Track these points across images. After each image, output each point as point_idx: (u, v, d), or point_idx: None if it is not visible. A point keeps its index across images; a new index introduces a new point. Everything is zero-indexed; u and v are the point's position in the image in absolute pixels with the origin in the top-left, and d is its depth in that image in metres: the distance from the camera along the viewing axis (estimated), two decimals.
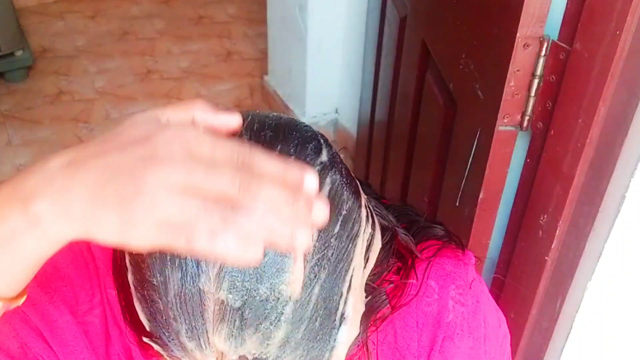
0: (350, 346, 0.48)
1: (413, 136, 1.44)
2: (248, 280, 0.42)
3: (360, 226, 0.48)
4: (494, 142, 0.96)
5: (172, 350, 0.45)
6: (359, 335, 0.49)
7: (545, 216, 0.94)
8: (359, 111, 2.13)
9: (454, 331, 0.61)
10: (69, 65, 2.84)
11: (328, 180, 0.46)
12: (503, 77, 0.90)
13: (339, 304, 0.46)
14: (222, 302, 0.42)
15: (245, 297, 0.42)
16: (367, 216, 0.50)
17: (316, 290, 0.44)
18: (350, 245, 0.46)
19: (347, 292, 0.47)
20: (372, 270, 0.52)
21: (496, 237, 1.10)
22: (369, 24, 1.91)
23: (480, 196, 1.02)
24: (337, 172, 0.47)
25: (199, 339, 0.43)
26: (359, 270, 0.48)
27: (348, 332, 0.47)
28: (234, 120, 0.43)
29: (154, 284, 0.44)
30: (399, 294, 0.60)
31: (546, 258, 0.96)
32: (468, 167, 1.05)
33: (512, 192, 1.04)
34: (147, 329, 0.46)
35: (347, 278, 0.46)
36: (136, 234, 0.38)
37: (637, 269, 0.96)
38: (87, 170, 0.39)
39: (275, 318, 0.43)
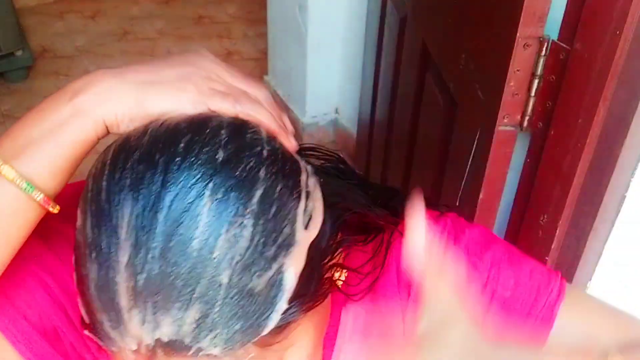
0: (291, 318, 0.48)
1: (413, 136, 1.44)
2: (157, 267, 0.43)
3: (281, 205, 0.47)
4: (494, 142, 0.96)
5: (103, 341, 0.47)
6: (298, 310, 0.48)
7: (545, 216, 0.94)
8: (359, 111, 2.13)
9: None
10: (69, 65, 2.84)
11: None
12: (503, 77, 0.90)
13: (258, 283, 0.45)
14: (132, 288, 0.44)
15: (154, 282, 0.43)
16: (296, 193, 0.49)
17: (227, 271, 0.44)
18: (269, 225, 0.45)
19: (273, 271, 0.45)
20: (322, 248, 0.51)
21: None
22: (369, 24, 1.91)
23: (480, 196, 1.02)
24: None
25: (119, 327, 0.45)
26: (289, 249, 0.47)
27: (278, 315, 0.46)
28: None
29: (81, 277, 0.47)
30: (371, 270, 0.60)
31: (546, 258, 0.96)
32: (468, 167, 1.05)
33: (512, 192, 1.04)
34: (86, 321, 0.48)
35: (268, 256, 0.45)
36: (189, 97, 0.49)
37: (637, 269, 0.96)
38: (135, 69, 0.51)
39: (185, 300, 0.43)
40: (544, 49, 0.86)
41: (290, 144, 0.52)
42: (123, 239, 0.44)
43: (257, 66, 2.85)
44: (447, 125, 1.19)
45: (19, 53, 2.62)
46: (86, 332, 0.48)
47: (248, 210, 0.44)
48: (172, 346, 0.45)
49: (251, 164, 0.46)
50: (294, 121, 2.41)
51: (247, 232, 0.44)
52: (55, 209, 0.50)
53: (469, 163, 1.04)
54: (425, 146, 1.38)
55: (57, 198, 0.50)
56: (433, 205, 0.68)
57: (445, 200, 1.21)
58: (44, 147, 0.49)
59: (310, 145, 0.59)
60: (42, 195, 0.48)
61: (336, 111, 2.41)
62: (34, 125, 0.49)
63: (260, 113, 0.51)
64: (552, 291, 0.62)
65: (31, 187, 0.48)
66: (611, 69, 0.77)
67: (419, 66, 1.36)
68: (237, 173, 0.45)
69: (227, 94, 0.51)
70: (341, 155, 0.63)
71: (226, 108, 0.50)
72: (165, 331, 0.44)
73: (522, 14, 0.84)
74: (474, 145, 1.02)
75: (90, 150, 0.51)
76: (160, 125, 0.48)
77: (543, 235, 0.96)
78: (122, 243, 0.44)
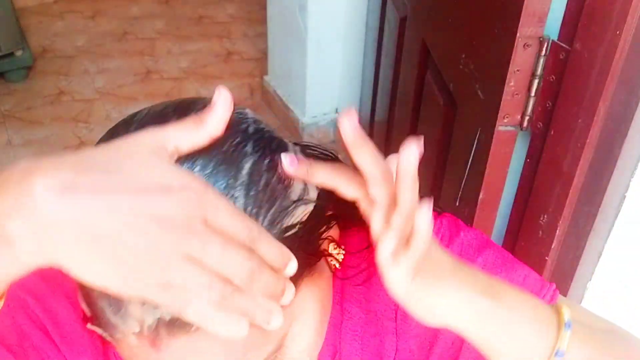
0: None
1: (413, 136, 1.44)
2: None
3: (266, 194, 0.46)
4: (494, 142, 0.96)
5: (106, 330, 0.46)
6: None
7: (545, 216, 0.94)
8: (359, 111, 2.14)
9: None
10: (69, 65, 2.84)
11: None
12: (503, 77, 0.90)
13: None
14: None
15: None
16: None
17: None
18: (259, 195, 0.46)
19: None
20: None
21: (496, 237, 1.10)
22: (369, 24, 1.91)
23: (480, 196, 1.02)
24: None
25: (119, 311, 0.44)
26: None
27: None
28: (222, 116, 0.44)
29: None
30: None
31: (546, 258, 0.96)
32: (468, 167, 1.05)
33: (512, 192, 1.04)
34: (88, 314, 0.47)
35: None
36: (136, 287, 0.38)
37: (637, 269, 0.96)
38: (85, 208, 0.37)
39: None
40: (544, 49, 0.86)
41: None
42: None
43: (257, 66, 2.85)
44: (447, 125, 1.19)
45: (19, 53, 2.62)
46: (89, 325, 0.47)
47: (238, 183, 0.44)
48: (174, 324, 0.44)
49: (238, 139, 0.46)
50: (294, 121, 2.41)
51: (239, 204, 0.44)
52: None
53: (469, 163, 1.04)
54: (425, 146, 1.38)
55: None
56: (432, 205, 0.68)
57: (445, 200, 1.21)
58: None
59: (304, 143, 0.59)
60: None
61: (336, 111, 2.41)
62: None
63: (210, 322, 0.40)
64: (545, 299, 0.62)
65: None
66: (611, 69, 0.77)
67: (419, 66, 1.36)
68: (225, 148, 0.45)
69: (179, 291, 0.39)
70: (335, 153, 0.63)
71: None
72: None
73: (522, 14, 0.84)
74: (474, 145, 1.02)
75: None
76: (145, 114, 0.47)
77: (543, 235, 0.96)
78: None
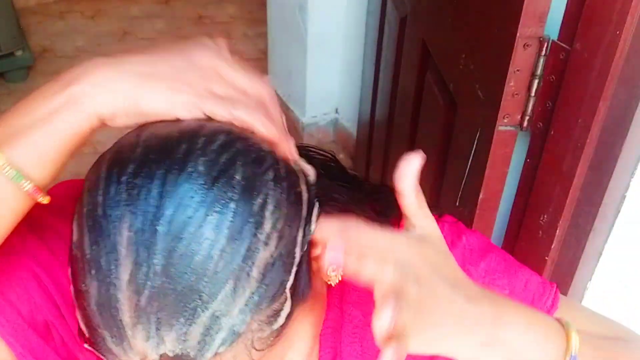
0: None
1: (413, 136, 1.44)
2: (159, 283, 0.42)
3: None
4: (494, 142, 0.96)
5: (105, 356, 0.46)
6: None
7: (545, 216, 0.94)
8: (359, 111, 2.13)
9: None
10: (69, 65, 2.79)
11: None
12: (503, 77, 0.90)
13: (263, 293, 0.45)
14: (135, 305, 0.43)
15: (157, 299, 0.42)
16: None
17: (230, 284, 0.43)
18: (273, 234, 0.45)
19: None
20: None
21: (496, 237, 1.10)
22: (369, 24, 1.91)
23: (480, 196, 1.02)
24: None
25: (122, 343, 0.44)
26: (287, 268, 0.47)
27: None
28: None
29: (80, 292, 0.45)
30: None
31: (546, 258, 0.96)
32: (468, 167, 1.05)
33: (512, 192, 1.04)
34: (86, 335, 0.47)
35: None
36: (184, 99, 0.47)
37: (637, 269, 0.96)
38: (133, 60, 0.49)
39: (190, 314, 0.43)
40: (544, 49, 0.86)
41: (288, 151, 0.50)
42: (123, 255, 0.43)
43: (257, 66, 2.85)
44: (447, 125, 1.19)
45: (19, 53, 2.62)
46: (86, 345, 0.47)
47: (250, 221, 0.44)
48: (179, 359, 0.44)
49: (248, 172, 0.45)
50: (294, 121, 2.41)
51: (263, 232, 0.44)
52: (45, 200, 0.48)
53: (469, 163, 1.04)
54: (425, 146, 1.38)
55: (51, 195, 0.49)
56: (432, 206, 0.68)
57: (445, 200, 1.21)
58: (35, 136, 0.47)
59: (303, 145, 0.59)
60: (30, 185, 0.47)
61: (336, 111, 2.41)
62: (26, 113, 0.48)
63: (257, 119, 0.49)
64: (547, 302, 0.62)
65: (20, 176, 0.46)
66: (611, 69, 0.77)
67: (419, 66, 1.36)
68: (235, 181, 0.44)
69: (222, 98, 0.49)
70: (331, 154, 0.63)
71: (221, 114, 0.48)
72: (170, 346, 0.43)
73: (522, 14, 0.84)
74: (474, 145, 1.02)
75: (84, 142, 0.49)
76: (152, 135, 0.47)
77: (543, 235, 0.96)
78: (122, 260, 0.43)
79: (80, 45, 2.98)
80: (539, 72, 0.88)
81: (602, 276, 0.95)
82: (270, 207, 0.45)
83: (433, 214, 0.64)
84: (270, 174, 0.46)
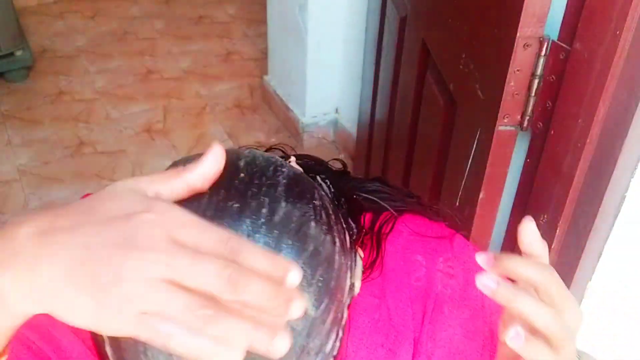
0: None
1: (413, 136, 1.44)
2: None
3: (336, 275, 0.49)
4: (494, 142, 0.96)
5: None
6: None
7: (545, 216, 0.94)
8: (359, 111, 2.13)
9: (443, 302, 0.62)
10: (69, 65, 2.84)
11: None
12: (503, 77, 0.90)
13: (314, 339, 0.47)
14: None
15: None
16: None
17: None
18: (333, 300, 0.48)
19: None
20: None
21: (496, 237, 1.10)
22: (369, 24, 1.91)
23: (480, 196, 1.02)
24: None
25: None
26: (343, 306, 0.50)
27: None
28: (215, 165, 0.42)
29: None
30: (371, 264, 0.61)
31: None
32: (468, 167, 1.05)
33: (512, 192, 1.04)
34: None
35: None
36: (113, 323, 0.36)
37: (637, 269, 0.96)
38: (58, 246, 0.37)
39: None
40: (544, 49, 0.86)
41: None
42: None
43: (257, 66, 2.85)
44: (447, 125, 1.19)
45: (19, 53, 2.62)
46: None
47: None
48: None
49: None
50: (294, 121, 2.41)
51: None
52: None
53: (469, 163, 1.04)
54: (425, 146, 1.38)
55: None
56: (432, 206, 0.68)
57: (445, 200, 1.21)
58: None
59: (302, 155, 0.59)
60: None
61: (336, 111, 2.41)
62: None
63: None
64: None
65: None
66: (611, 69, 0.77)
67: (419, 66, 1.36)
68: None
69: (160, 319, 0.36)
70: (320, 158, 0.63)
71: (157, 345, 0.36)
72: None
73: (522, 14, 0.84)
74: (474, 145, 1.02)
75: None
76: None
77: (543, 235, 0.95)
78: None
79: (80, 45, 2.98)
80: (539, 72, 0.88)
81: (602, 276, 0.95)
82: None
83: (436, 218, 0.66)
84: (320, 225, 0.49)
